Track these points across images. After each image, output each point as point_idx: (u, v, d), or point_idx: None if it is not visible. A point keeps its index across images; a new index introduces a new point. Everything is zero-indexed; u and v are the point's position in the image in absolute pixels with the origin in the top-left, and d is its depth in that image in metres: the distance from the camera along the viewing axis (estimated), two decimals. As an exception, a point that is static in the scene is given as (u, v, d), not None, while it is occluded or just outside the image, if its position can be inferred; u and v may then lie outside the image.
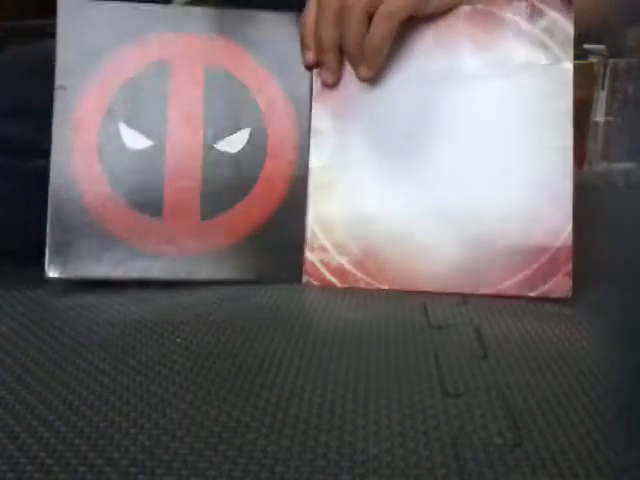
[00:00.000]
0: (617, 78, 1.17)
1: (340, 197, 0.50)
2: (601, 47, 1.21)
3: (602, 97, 1.18)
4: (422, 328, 0.41)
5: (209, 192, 0.50)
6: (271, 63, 0.51)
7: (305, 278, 0.50)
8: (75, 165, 0.49)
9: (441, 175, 0.48)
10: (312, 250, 0.50)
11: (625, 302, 0.46)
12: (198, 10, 0.51)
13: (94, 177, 0.49)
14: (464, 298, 0.46)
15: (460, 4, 0.48)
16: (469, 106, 0.48)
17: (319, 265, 0.50)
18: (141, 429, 0.29)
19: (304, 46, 0.48)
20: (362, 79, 0.48)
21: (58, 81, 0.49)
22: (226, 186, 0.50)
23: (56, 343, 0.40)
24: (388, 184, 0.49)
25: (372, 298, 0.47)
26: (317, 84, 0.50)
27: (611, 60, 1.18)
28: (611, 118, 1.18)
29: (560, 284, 0.46)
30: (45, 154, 0.49)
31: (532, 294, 0.46)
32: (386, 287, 0.49)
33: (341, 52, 0.48)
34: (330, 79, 0.49)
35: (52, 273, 0.48)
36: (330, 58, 0.48)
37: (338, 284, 0.49)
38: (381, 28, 0.45)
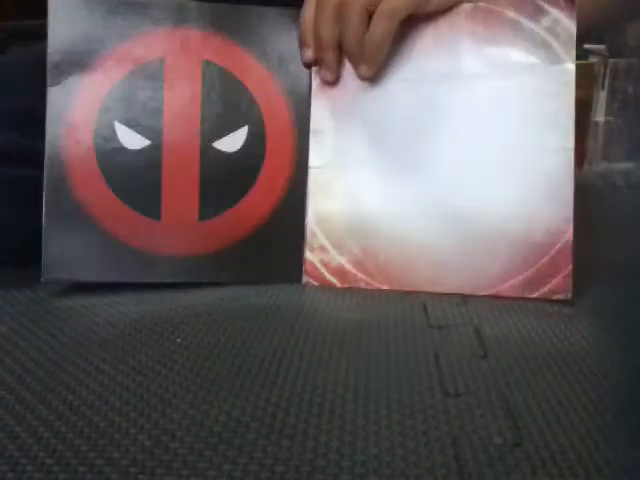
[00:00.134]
0: (617, 78, 1.17)
1: (340, 197, 0.50)
2: (601, 47, 1.21)
3: (602, 97, 1.18)
4: (422, 328, 0.41)
5: (207, 192, 0.49)
6: (269, 60, 0.50)
7: (305, 278, 0.50)
8: (71, 166, 0.48)
9: (441, 175, 0.48)
10: (312, 250, 0.50)
11: (625, 302, 0.46)
12: (194, 5, 0.49)
13: (91, 178, 0.48)
14: (464, 298, 0.46)
15: (461, 2, 0.47)
16: (469, 105, 0.48)
17: (319, 265, 0.50)
18: (141, 429, 0.29)
19: (303, 43, 0.48)
20: (362, 78, 0.48)
21: (50, 79, 0.48)
22: (224, 186, 0.50)
23: (56, 343, 0.40)
24: (388, 184, 0.49)
25: (372, 298, 0.47)
26: (316, 82, 0.50)
27: (611, 60, 1.18)
28: (611, 118, 1.18)
29: (560, 285, 0.45)
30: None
31: (532, 295, 0.46)
32: (386, 287, 0.48)
33: (340, 50, 0.47)
34: (329, 77, 0.49)
35: (48, 276, 0.48)
36: (329, 56, 0.47)
37: (338, 284, 0.49)
38: (381, 26, 0.45)
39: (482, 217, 0.47)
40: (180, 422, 0.30)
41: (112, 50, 0.49)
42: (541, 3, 0.47)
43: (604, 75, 1.17)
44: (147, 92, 0.49)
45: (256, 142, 0.50)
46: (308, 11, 0.47)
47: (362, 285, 0.49)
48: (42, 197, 0.48)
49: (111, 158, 0.49)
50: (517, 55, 0.47)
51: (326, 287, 0.49)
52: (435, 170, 0.48)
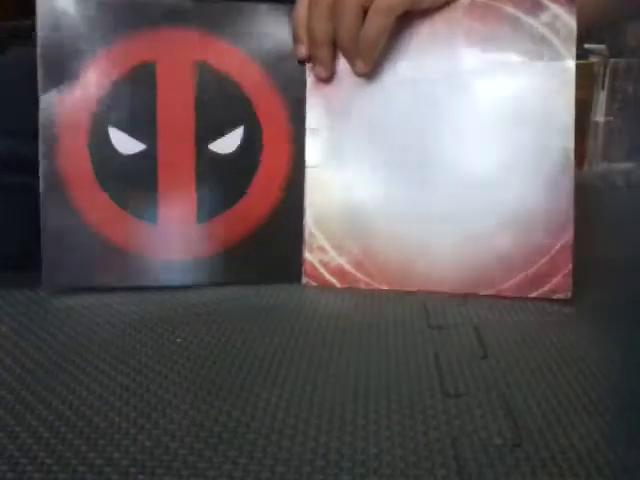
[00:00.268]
0: (617, 78, 1.17)
1: (337, 197, 0.49)
2: (601, 47, 1.21)
3: (602, 97, 1.18)
4: (422, 328, 0.41)
5: (204, 194, 0.49)
6: (263, 57, 0.49)
7: (305, 279, 0.50)
8: (66, 172, 0.48)
9: (440, 174, 0.48)
10: (311, 251, 0.50)
11: (625, 302, 0.46)
12: (184, 5, 0.48)
13: (86, 184, 0.48)
14: (464, 298, 0.46)
15: None
16: (467, 103, 0.47)
17: (318, 265, 0.50)
18: (141, 429, 0.29)
19: (296, 39, 0.47)
20: (358, 74, 0.47)
21: (41, 86, 0.47)
22: (222, 188, 0.49)
23: (56, 343, 0.40)
24: (386, 183, 0.49)
25: (372, 298, 0.47)
26: (310, 79, 0.49)
27: (611, 60, 1.18)
28: (611, 118, 1.18)
29: (560, 285, 0.45)
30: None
31: (532, 295, 0.46)
32: (386, 287, 0.48)
33: (334, 46, 0.46)
34: (323, 74, 0.48)
35: (49, 283, 0.48)
36: (323, 52, 0.47)
37: (338, 284, 0.49)
38: (376, 22, 0.44)
39: (481, 216, 0.47)
40: (180, 422, 0.30)
41: (102, 54, 0.48)
42: None
43: (604, 75, 1.17)
44: (139, 95, 0.48)
45: (252, 142, 0.49)
46: (301, 7, 0.46)
47: (362, 285, 0.49)
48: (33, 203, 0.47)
49: (106, 163, 0.48)
50: (516, 52, 0.46)
51: (326, 287, 0.49)
52: (434, 169, 0.48)
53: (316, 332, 0.41)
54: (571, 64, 0.46)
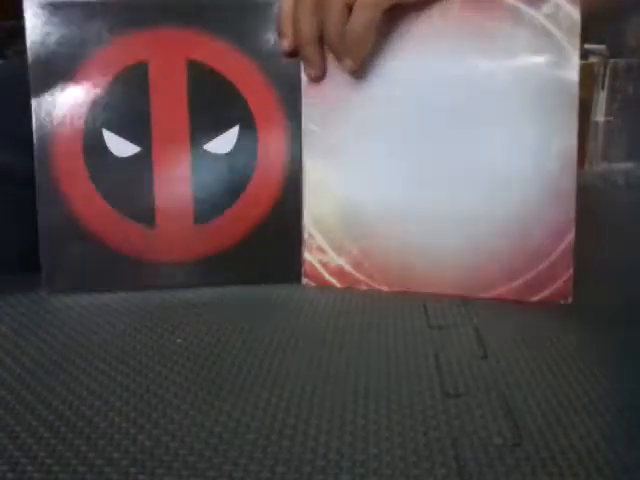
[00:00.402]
0: (617, 78, 1.17)
1: (335, 197, 0.49)
2: (601, 47, 1.21)
3: (602, 97, 1.18)
4: (422, 328, 0.41)
5: (201, 196, 0.49)
6: (257, 54, 0.48)
7: (304, 279, 0.50)
8: (61, 177, 0.47)
9: (439, 174, 0.47)
10: (310, 251, 0.50)
11: (625, 302, 0.46)
12: (174, 3, 0.48)
13: (82, 188, 0.48)
14: (464, 298, 0.46)
15: None
16: (465, 100, 0.46)
17: (318, 266, 0.50)
18: (141, 429, 0.29)
19: (280, 34, 0.47)
20: (348, 72, 0.46)
21: (33, 90, 0.47)
22: (218, 188, 0.49)
23: (56, 343, 0.40)
24: (385, 183, 0.48)
25: (372, 298, 0.47)
26: (305, 79, 0.48)
27: (611, 60, 1.18)
28: (611, 118, 1.18)
29: (560, 290, 0.45)
30: None
31: (532, 299, 0.45)
32: (386, 288, 0.48)
33: (322, 44, 0.46)
34: (314, 73, 0.47)
35: (49, 289, 0.48)
36: (310, 51, 0.46)
37: (338, 285, 0.49)
38: (361, 18, 0.43)
39: (481, 218, 0.46)
40: (180, 422, 0.30)
41: (92, 56, 0.47)
42: None
43: (604, 75, 1.17)
44: (132, 97, 0.48)
45: (248, 142, 0.49)
46: (286, 1, 0.45)
47: (362, 286, 0.49)
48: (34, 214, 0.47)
49: (101, 167, 0.48)
50: (516, 45, 0.44)
51: (326, 287, 0.49)
52: (433, 169, 0.47)
53: (316, 332, 0.41)
54: (574, 58, 0.44)
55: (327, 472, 0.26)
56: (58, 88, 0.47)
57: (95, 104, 0.47)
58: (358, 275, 0.49)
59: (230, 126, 0.49)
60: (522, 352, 0.37)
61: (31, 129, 0.47)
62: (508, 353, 0.37)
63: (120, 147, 0.48)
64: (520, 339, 0.39)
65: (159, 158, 0.48)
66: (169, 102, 0.48)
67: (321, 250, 0.49)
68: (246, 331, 0.41)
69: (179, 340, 0.40)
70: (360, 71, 0.46)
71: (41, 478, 0.26)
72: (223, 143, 0.49)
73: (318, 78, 0.48)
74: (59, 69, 0.47)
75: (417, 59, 0.46)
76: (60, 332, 0.41)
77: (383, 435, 0.29)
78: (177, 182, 0.49)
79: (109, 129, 0.48)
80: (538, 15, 0.44)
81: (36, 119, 0.47)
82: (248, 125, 0.49)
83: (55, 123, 0.47)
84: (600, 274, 0.51)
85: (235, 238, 0.49)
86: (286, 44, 0.46)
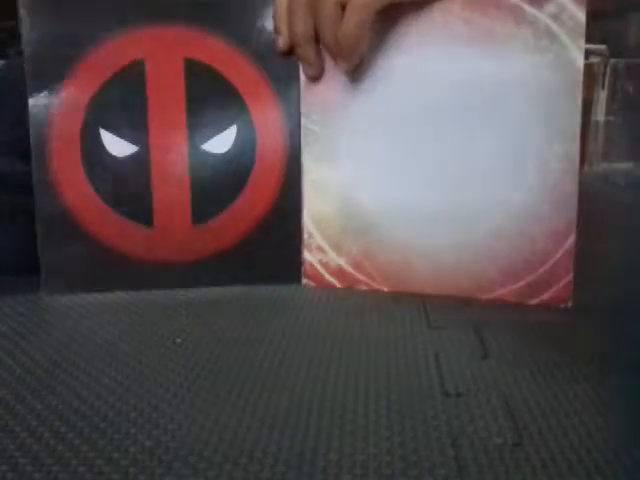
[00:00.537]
0: (617, 78, 1.17)
1: (335, 197, 0.48)
2: (601, 47, 1.21)
3: (602, 97, 1.17)
4: (422, 328, 0.41)
5: (199, 196, 0.48)
6: (255, 52, 0.48)
7: (304, 279, 0.50)
8: (59, 178, 0.47)
9: (440, 174, 0.46)
10: (310, 251, 0.49)
11: (625, 301, 0.46)
12: (171, 1, 0.47)
13: (80, 188, 0.48)
14: (464, 300, 0.46)
15: None
16: (466, 101, 0.45)
17: (318, 266, 0.49)
18: (141, 429, 0.29)
19: (275, 32, 0.46)
20: (342, 73, 0.46)
21: (30, 90, 0.46)
22: (216, 188, 0.49)
23: (56, 343, 0.40)
24: (385, 183, 0.48)
25: (372, 298, 0.47)
26: (303, 78, 0.48)
27: (611, 60, 1.18)
28: (611, 118, 1.18)
29: (561, 294, 0.44)
30: None
31: (531, 302, 0.45)
32: (386, 289, 0.48)
33: (318, 43, 0.45)
34: (311, 72, 0.47)
35: (47, 290, 0.48)
36: (306, 51, 0.46)
37: (338, 285, 0.49)
38: (354, 18, 0.42)
39: (482, 219, 0.46)
40: (180, 422, 0.30)
41: (89, 55, 0.47)
42: None
43: (604, 75, 1.17)
44: (129, 96, 0.47)
45: (245, 141, 0.48)
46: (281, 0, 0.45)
47: (362, 286, 0.49)
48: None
49: (99, 167, 0.48)
50: (519, 46, 0.43)
51: (326, 288, 0.49)
52: (433, 169, 0.46)
53: (316, 332, 0.41)
54: (578, 60, 0.43)
55: (327, 472, 0.26)
56: (55, 87, 0.47)
57: (92, 103, 0.47)
58: (358, 275, 0.49)
59: (228, 125, 0.48)
60: (522, 352, 0.37)
61: (26, 132, 0.47)
62: (508, 353, 0.37)
63: (117, 146, 0.48)
64: (520, 339, 0.39)
65: (157, 158, 0.48)
66: (166, 101, 0.48)
67: (321, 250, 0.49)
68: (246, 331, 0.41)
69: (179, 340, 0.40)
70: (355, 72, 0.46)
71: (41, 478, 0.26)
72: (221, 142, 0.48)
73: (316, 77, 0.47)
74: (55, 68, 0.47)
75: (417, 59, 0.45)
76: (60, 332, 0.41)
77: (383, 435, 0.29)
78: (175, 182, 0.48)
79: (106, 128, 0.48)
80: (542, 15, 0.43)
81: (33, 118, 0.47)
82: (246, 124, 0.48)
83: (52, 122, 0.47)
84: (600, 274, 0.51)
85: (234, 238, 0.49)
86: (281, 42, 0.46)
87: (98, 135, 0.48)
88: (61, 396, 0.33)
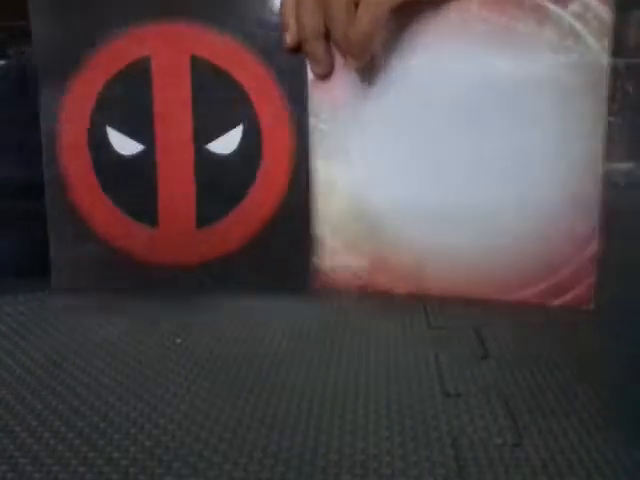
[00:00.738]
0: (617, 78, 1.17)
1: (347, 199, 0.47)
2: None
3: (602, 97, 1.17)
4: (422, 328, 0.41)
5: (204, 197, 0.47)
6: (261, 49, 0.46)
7: (318, 282, 0.49)
8: (69, 174, 0.48)
9: (456, 174, 0.45)
10: (323, 254, 0.48)
11: (625, 301, 0.46)
12: None
13: (89, 187, 0.48)
14: (482, 302, 0.46)
15: None
16: (484, 101, 0.43)
17: (331, 269, 0.48)
18: (141, 429, 0.29)
19: (283, 27, 0.45)
20: (352, 71, 0.45)
21: (41, 87, 0.47)
22: (221, 190, 0.47)
23: (56, 343, 0.40)
24: (398, 183, 0.46)
25: (372, 299, 0.47)
26: (312, 76, 0.46)
27: (611, 60, 1.18)
28: (611, 118, 1.18)
29: (583, 296, 0.43)
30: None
31: (552, 304, 0.44)
32: (402, 291, 0.47)
33: (328, 40, 0.44)
34: (319, 69, 0.46)
35: (55, 289, 0.48)
36: (315, 48, 0.44)
37: (352, 287, 0.48)
38: (367, 15, 0.41)
39: (499, 218, 0.44)
40: (180, 422, 0.30)
41: (97, 51, 0.47)
42: None
43: (604, 75, 1.17)
44: (136, 94, 0.47)
45: (252, 141, 0.47)
46: None
47: (377, 288, 0.47)
48: (41, 225, 0.48)
49: (106, 165, 0.48)
50: (540, 47, 0.42)
51: (328, 289, 0.49)
52: (448, 169, 0.45)
53: (316, 332, 0.41)
54: (603, 60, 0.41)
55: (327, 472, 0.26)
56: (64, 85, 0.47)
57: (100, 101, 0.47)
58: (372, 277, 0.47)
59: (234, 125, 0.47)
60: (522, 352, 0.37)
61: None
62: (508, 354, 0.37)
63: (124, 145, 0.48)
64: (520, 339, 0.39)
65: (163, 157, 0.47)
66: (173, 99, 0.47)
67: (334, 252, 0.48)
68: (246, 331, 0.41)
69: (179, 340, 0.40)
70: (365, 70, 0.45)
71: (41, 478, 0.26)
72: (226, 143, 0.47)
73: (324, 75, 0.46)
74: (64, 67, 0.47)
75: (432, 59, 0.44)
76: (60, 332, 0.41)
77: (383, 435, 0.29)
78: (180, 182, 0.48)
79: (113, 127, 0.47)
80: (566, 14, 0.41)
81: (43, 117, 0.47)
82: (252, 124, 0.47)
83: (62, 120, 0.47)
84: (599, 274, 0.51)
85: (239, 241, 0.48)
86: (289, 38, 0.45)
87: (105, 133, 0.48)
88: (61, 396, 0.33)
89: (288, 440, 0.28)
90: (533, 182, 0.44)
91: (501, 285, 0.45)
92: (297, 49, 0.45)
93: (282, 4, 0.45)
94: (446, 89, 0.44)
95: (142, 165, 0.48)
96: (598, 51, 0.41)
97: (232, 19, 0.47)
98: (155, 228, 0.48)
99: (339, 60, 0.46)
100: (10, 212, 0.51)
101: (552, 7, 0.41)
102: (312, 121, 0.47)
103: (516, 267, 0.44)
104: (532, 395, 0.32)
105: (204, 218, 0.48)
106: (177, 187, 0.48)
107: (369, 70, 0.45)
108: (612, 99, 1.18)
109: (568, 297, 0.44)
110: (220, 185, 0.48)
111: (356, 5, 0.42)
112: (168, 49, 0.47)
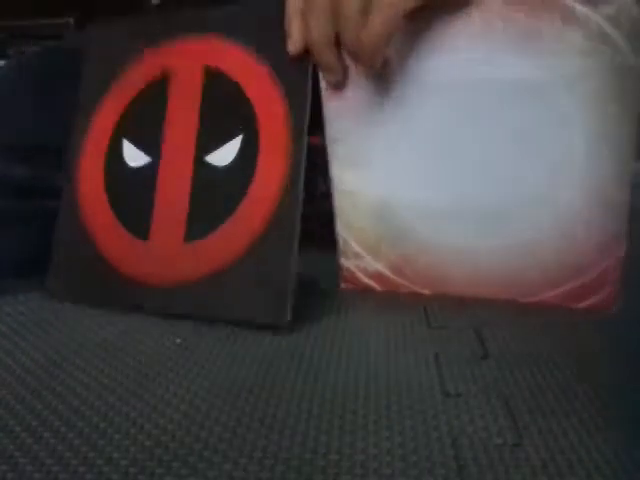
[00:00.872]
0: None
1: (367, 202, 0.46)
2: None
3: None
4: (422, 329, 0.41)
5: (195, 211, 0.45)
6: (269, 58, 0.45)
7: (343, 284, 0.49)
8: (82, 187, 0.49)
9: (481, 176, 0.44)
10: (347, 257, 0.48)
11: (624, 301, 0.46)
12: (195, 12, 0.48)
13: (97, 197, 0.48)
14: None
15: None
16: (507, 106, 0.42)
17: (356, 270, 0.48)
18: (141, 429, 0.29)
19: (288, 34, 0.43)
20: (365, 76, 0.44)
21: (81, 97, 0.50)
22: (212, 204, 0.45)
23: (56, 343, 0.40)
24: (421, 187, 0.45)
25: (373, 299, 0.47)
26: (325, 85, 0.45)
27: None
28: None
29: (606, 299, 0.43)
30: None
31: (575, 306, 0.44)
32: (427, 292, 0.47)
33: (339, 48, 0.43)
34: (332, 78, 0.44)
35: (49, 295, 0.48)
36: (327, 57, 0.43)
37: (378, 288, 0.48)
38: (379, 17, 0.39)
39: (525, 220, 0.43)
40: (180, 422, 0.30)
41: (126, 69, 0.50)
42: None
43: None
44: (151, 106, 0.48)
45: (248, 153, 0.45)
46: (293, 1, 0.43)
47: (402, 290, 0.47)
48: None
49: (115, 175, 0.48)
50: (568, 50, 0.40)
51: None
52: (473, 171, 0.44)
53: (316, 333, 0.41)
54: (635, 63, 0.39)
55: (327, 472, 0.26)
56: (100, 99, 0.50)
57: (122, 116, 0.49)
58: (397, 279, 0.47)
59: (234, 136, 0.45)
60: (522, 352, 0.37)
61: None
62: (508, 354, 0.37)
63: (133, 157, 0.48)
64: (520, 339, 0.39)
65: (164, 169, 0.47)
66: (183, 110, 0.47)
67: (357, 256, 0.48)
68: (246, 331, 0.41)
69: (179, 340, 0.40)
70: (379, 75, 0.44)
71: (41, 478, 0.26)
72: (224, 154, 0.45)
73: (339, 84, 0.45)
74: (98, 89, 0.50)
75: (453, 61, 0.43)
76: (60, 332, 0.41)
77: (383, 435, 0.29)
78: (177, 195, 0.46)
79: (128, 139, 0.48)
80: (595, 16, 0.39)
81: (76, 131, 0.50)
82: (252, 135, 0.45)
83: (88, 135, 0.50)
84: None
85: (225, 259, 0.44)
86: (292, 46, 0.43)
87: (121, 145, 0.48)
88: (61, 396, 0.33)
89: (288, 440, 0.28)
90: (561, 184, 0.43)
91: (525, 287, 0.45)
92: (301, 56, 0.44)
93: (287, 10, 0.43)
94: (470, 91, 0.43)
95: (145, 177, 0.47)
96: (629, 54, 0.39)
97: (242, 28, 0.46)
98: (146, 242, 0.46)
99: (351, 66, 0.45)
100: (12, 211, 0.52)
101: (581, 8, 0.40)
102: (327, 130, 0.46)
103: (541, 269, 0.44)
104: (532, 395, 0.32)
105: (191, 233, 0.45)
106: (174, 200, 0.46)
107: (383, 75, 0.44)
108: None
109: (592, 300, 0.44)
110: (212, 199, 0.45)
111: (367, 11, 0.40)
112: (184, 63, 0.48)
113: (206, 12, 0.48)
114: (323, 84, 0.45)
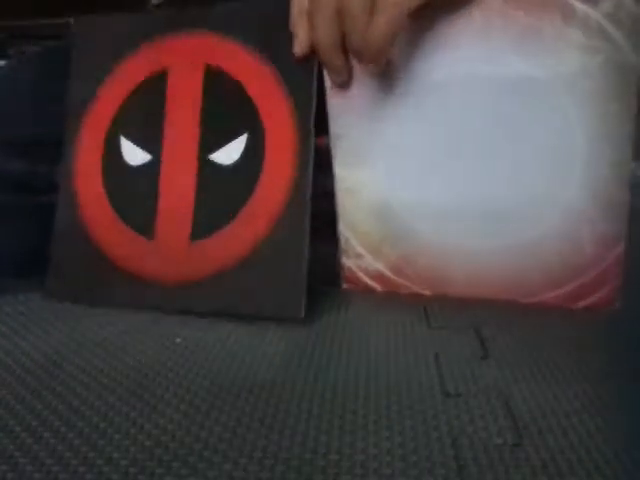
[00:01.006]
0: None
1: (369, 201, 0.46)
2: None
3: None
4: (422, 329, 0.41)
5: (201, 210, 0.45)
6: (272, 57, 0.45)
7: (345, 285, 0.49)
8: (80, 184, 0.48)
9: (482, 175, 0.44)
10: (348, 256, 0.48)
11: (624, 301, 0.46)
12: (196, 10, 0.47)
13: (96, 195, 0.48)
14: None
15: None
16: (506, 105, 0.42)
17: (357, 270, 0.48)
18: (141, 429, 0.29)
19: (293, 35, 0.43)
20: (370, 75, 0.44)
21: (72, 88, 0.49)
22: (219, 202, 0.45)
23: (56, 343, 0.40)
24: (422, 187, 0.45)
25: (373, 299, 0.47)
26: (330, 83, 0.45)
27: None
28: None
29: (607, 297, 0.43)
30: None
31: (577, 306, 0.44)
32: (428, 292, 0.47)
33: (344, 48, 0.43)
34: (338, 79, 0.45)
35: (49, 295, 0.48)
36: (333, 58, 0.43)
37: (379, 289, 0.48)
38: (384, 16, 0.39)
39: (526, 220, 0.43)
40: (180, 422, 0.30)
41: (122, 65, 0.49)
42: None
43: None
44: (150, 104, 0.47)
45: (254, 151, 0.45)
46: (298, 1, 0.43)
47: (403, 290, 0.47)
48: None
49: (114, 174, 0.48)
50: (568, 48, 0.40)
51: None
52: (474, 170, 0.44)
53: (317, 333, 0.41)
54: (634, 61, 0.39)
55: (327, 472, 0.26)
56: (94, 91, 0.49)
57: (118, 112, 0.48)
58: (398, 279, 0.47)
59: (238, 135, 0.45)
60: (522, 352, 0.37)
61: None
62: (508, 354, 0.37)
63: (132, 154, 0.48)
64: (520, 339, 0.39)
65: (166, 167, 0.47)
66: (184, 108, 0.47)
67: (359, 255, 0.47)
68: (247, 331, 0.41)
69: (179, 340, 0.40)
70: (383, 74, 0.44)
71: (41, 478, 0.26)
72: (229, 153, 0.45)
73: (344, 83, 0.45)
74: (93, 77, 0.50)
75: (454, 60, 0.43)
76: (60, 332, 0.41)
77: (383, 435, 0.29)
78: (182, 193, 0.46)
79: (126, 136, 0.48)
80: (595, 14, 0.40)
81: (68, 129, 0.50)
82: (257, 134, 0.45)
83: (82, 132, 0.49)
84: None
85: (231, 259, 0.44)
86: (298, 47, 0.44)
87: (119, 143, 0.48)
88: (61, 396, 0.33)
89: (288, 440, 0.28)
90: (561, 183, 0.43)
91: (525, 287, 0.45)
92: (307, 57, 0.44)
93: (292, 9, 0.44)
94: (471, 90, 0.43)
95: (147, 175, 0.47)
96: (629, 52, 0.40)
97: (244, 27, 0.46)
98: (151, 240, 0.46)
99: (356, 66, 0.45)
100: (11, 207, 0.52)
101: (580, 6, 0.40)
102: (331, 127, 0.46)
103: (541, 269, 0.44)
104: (532, 395, 0.32)
105: (197, 232, 0.45)
106: (178, 198, 0.46)
107: (386, 73, 0.44)
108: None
109: (593, 299, 0.43)
110: (217, 198, 0.45)
111: (371, 12, 0.40)
112: (184, 60, 0.47)
113: (207, 10, 0.47)
114: (328, 83, 0.45)
